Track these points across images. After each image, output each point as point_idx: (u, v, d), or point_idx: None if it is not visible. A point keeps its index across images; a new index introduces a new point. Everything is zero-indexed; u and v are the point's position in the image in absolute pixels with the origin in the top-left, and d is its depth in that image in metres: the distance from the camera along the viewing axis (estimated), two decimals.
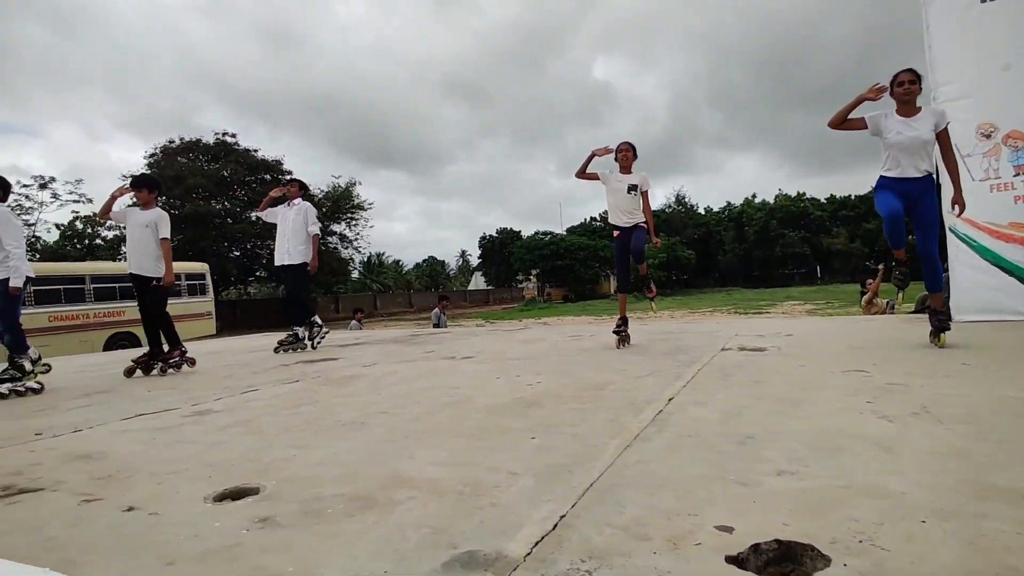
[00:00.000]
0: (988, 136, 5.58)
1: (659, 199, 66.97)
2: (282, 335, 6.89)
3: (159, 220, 5.19)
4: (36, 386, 4.40)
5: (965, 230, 5.65)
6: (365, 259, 44.10)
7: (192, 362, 5.40)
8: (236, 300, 38.84)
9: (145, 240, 5.18)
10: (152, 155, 31.06)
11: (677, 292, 49.66)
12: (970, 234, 5.64)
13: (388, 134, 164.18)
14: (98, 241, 29.12)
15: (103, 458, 2.28)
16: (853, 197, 59.31)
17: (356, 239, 38.28)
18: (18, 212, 27.79)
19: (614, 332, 5.30)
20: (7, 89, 74.97)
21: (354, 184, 37.76)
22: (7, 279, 4.37)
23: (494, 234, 75.70)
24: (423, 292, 57.81)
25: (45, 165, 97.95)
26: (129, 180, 5.47)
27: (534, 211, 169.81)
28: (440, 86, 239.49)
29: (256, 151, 32.87)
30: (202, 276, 19.18)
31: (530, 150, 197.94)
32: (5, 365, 4.42)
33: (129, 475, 2.02)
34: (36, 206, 28.37)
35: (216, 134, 32.18)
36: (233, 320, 31.48)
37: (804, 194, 59.76)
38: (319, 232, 6.54)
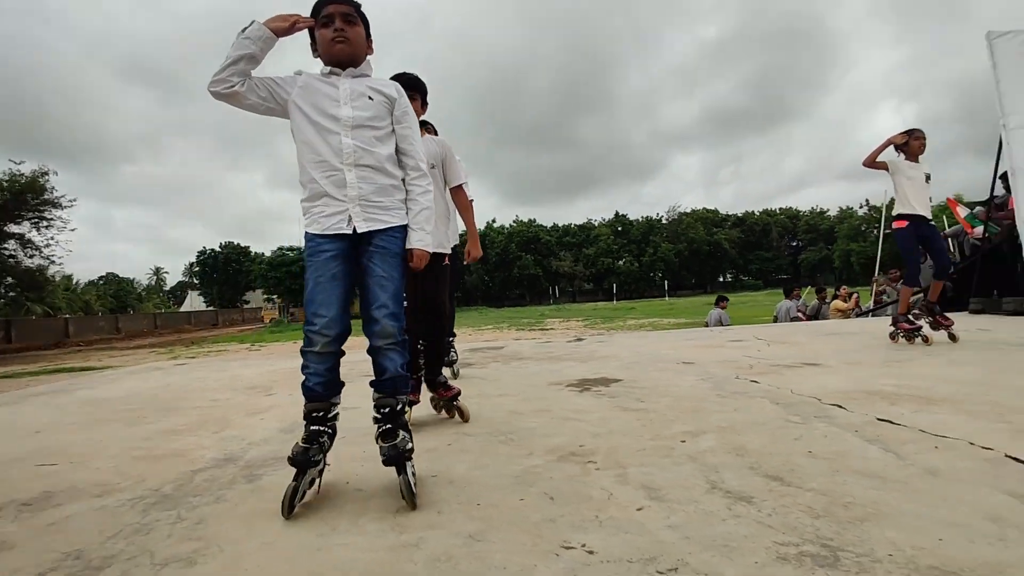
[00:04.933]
0: None
1: None
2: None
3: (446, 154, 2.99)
4: None
5: None
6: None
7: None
8: None
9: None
10: None
11: None
12: None
13: (39, 115, 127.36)
14: None
15: None
16: (574, 225, 68.25)
17: (48, 244, 28.43)
18: None
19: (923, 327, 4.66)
20: None
21: (46, 173, 27.95)
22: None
23: (216, 249, 65.51)
24: (172, 313, 46.87)
25: None
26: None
27: (240, 225, 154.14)
28: (118, 67, 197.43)
29: None
30: None
31: (236, 156, 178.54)
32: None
33: None
34: None
35: None
36: None
37: (535, 220, 66.41)
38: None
